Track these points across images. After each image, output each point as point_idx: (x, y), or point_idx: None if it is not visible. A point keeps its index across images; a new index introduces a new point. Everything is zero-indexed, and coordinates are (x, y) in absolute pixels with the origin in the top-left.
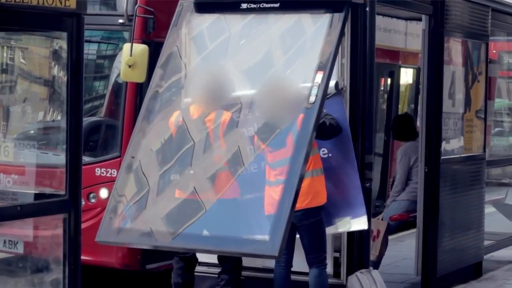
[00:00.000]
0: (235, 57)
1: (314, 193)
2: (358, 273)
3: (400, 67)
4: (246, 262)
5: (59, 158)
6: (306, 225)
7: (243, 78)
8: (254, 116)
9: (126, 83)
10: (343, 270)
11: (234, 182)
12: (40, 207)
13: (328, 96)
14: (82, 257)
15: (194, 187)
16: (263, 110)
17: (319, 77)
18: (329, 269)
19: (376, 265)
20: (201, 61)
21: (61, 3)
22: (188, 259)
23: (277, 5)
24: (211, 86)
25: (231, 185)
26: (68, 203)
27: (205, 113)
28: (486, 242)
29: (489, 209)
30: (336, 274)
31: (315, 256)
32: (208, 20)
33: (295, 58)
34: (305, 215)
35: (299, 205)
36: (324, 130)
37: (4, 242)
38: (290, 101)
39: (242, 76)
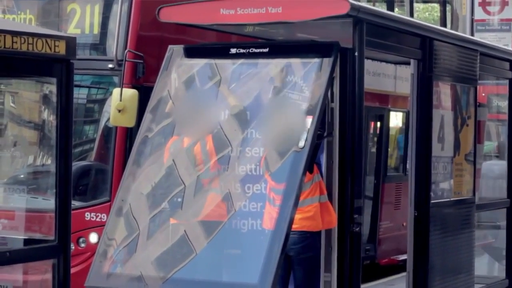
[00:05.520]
0: (225, 101)
1: (315, 219)
2: None
3: (389, 110)
4: None
5: (48, 203)
6: (302, 258)
7: (233, 122)
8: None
9: (116, 127)
10: None
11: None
12: (29, 253)
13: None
14: None
15: (185, 231)
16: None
17: (309, 121)
18: None
19: None
20: (192, 104)
21: (50, 49)
22: None
23: (266, 50)
24: (199, 115)
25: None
26: (57, 248)
27: (193, 142)
28: (476, 286)
29: (479, 253)
30: None
31: None
32: (198, 64)
33: (285, 102)
34: (301, 238)
35: (298, 227)
36: None
37: None
38: (282, 142)
39: (231, 119)
